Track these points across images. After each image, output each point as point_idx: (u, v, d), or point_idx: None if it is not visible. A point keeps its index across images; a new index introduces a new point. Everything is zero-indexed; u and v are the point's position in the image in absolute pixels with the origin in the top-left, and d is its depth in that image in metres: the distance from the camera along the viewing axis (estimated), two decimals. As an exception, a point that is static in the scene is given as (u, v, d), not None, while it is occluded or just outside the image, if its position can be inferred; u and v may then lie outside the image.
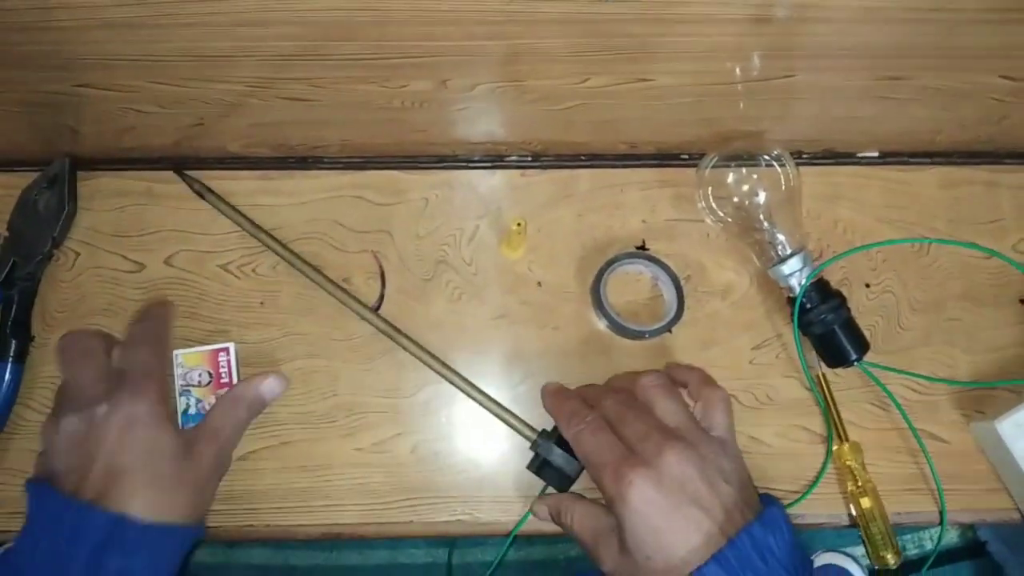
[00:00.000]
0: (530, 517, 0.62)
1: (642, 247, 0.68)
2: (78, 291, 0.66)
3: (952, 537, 1.16)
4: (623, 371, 0.65)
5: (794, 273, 0.63)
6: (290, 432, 0.63)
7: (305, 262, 0.65)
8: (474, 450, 0.64)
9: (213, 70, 0.54)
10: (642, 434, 0.53)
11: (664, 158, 0.70)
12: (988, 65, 0.56)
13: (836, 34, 0.52)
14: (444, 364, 0.63)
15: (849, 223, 0.70)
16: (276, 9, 0.47)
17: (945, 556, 1.14)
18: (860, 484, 0.62)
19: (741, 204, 0.65)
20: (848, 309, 0.63)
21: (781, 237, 0.64)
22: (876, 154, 0.71)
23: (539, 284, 0.68)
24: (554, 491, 0.61)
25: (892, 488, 0.63)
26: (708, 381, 0.60)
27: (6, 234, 0.65)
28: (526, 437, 0.61)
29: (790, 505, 0.63)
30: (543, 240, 0.69)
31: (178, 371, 0.61)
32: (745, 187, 0.64)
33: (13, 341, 0.63)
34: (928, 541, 1.13)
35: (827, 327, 0.62)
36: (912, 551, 1.13)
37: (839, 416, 0.64)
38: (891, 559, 0.61)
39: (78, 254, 0.67)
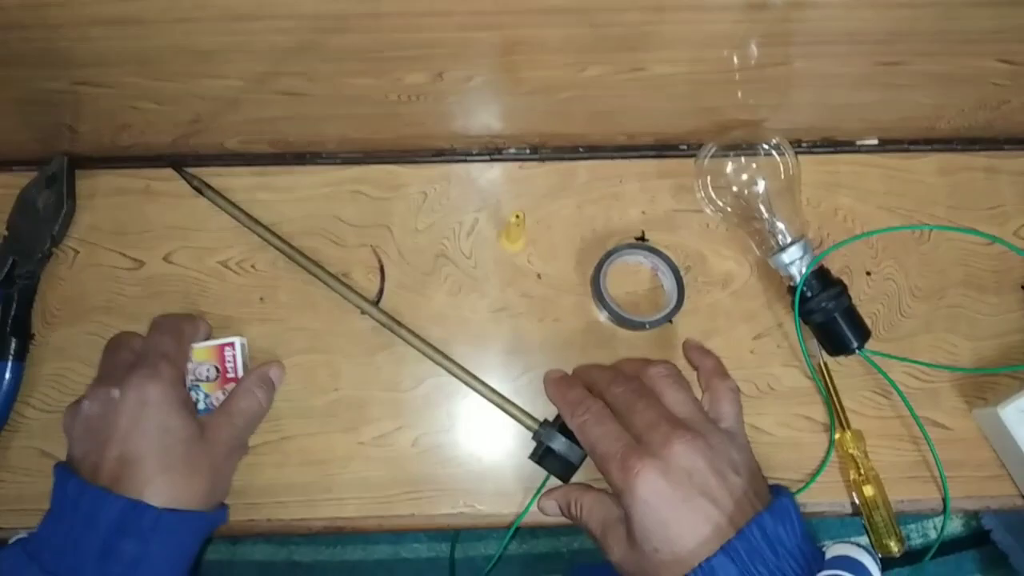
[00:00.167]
0: (532, 508, 0.61)
1: (642, 238, 0.68)
2: (78, 289, 0.66)
3: (956, 526, 1.17)
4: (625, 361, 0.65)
5: (794, 262, 0.63)
6: (291, 427, 0.63)
7: (305, 257, 0.65)
8: (475, 443, 0.64)
9: (209, 65, 0.54)
10: (649, 423, 0.52)
11: (663, 149, 0.70)
12: (986, 49, 0.56)
13: (832, 19, 0.51)
14: (445, 356, 0.63)
15: (849, 211, 0.70)
16: (270, 3, 0.47)
17: (949, 545, 1.15)
18: (863, 472, 0.62)
19: (740, 193, 0.65)
20: (849, 297, 0.62)
21: (781, 226, 0.63)
22: (875, 142, 0.71)
23: (539, 276, 0.67)
24: (558, 481, 0.61)
25: (895, 476, 0.63)
26: (719, 371, 0.60)
27: (5, 233, 0.66)
28: (528, 427, 0.61)
29: (793, 494, 0.62)
30: (542, 232, 0.68)
31: (188, 366, 0.61)
32: (744, 176, 0.64)
33: (13, 339, 0.63)
34: (932, 530, 1.13)
35: (828, 315, 0.62)
36: (916, 540, 1.13)
37: (841, 404, 0.64)
38: (895, 547, 0.61)
39: (77, 252, 0.67)
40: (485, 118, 0.65)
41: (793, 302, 0.63)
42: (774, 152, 0.64)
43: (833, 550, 0.51)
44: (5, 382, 0.62)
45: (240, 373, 0.62)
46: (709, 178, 0.66)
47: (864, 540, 0.98)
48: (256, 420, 0.60)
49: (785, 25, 0.52)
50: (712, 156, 0.65)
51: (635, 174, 0.70)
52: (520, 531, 0.63)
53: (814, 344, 0.64)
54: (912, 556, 1.06)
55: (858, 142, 0.71)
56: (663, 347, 0.66)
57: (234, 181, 0.68)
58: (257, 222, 0.66)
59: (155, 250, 0.67)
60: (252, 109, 0.61)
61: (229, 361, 0.62)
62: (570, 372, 0.64)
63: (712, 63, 0.57)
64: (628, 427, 0.53)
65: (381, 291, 0.66)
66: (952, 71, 0.59)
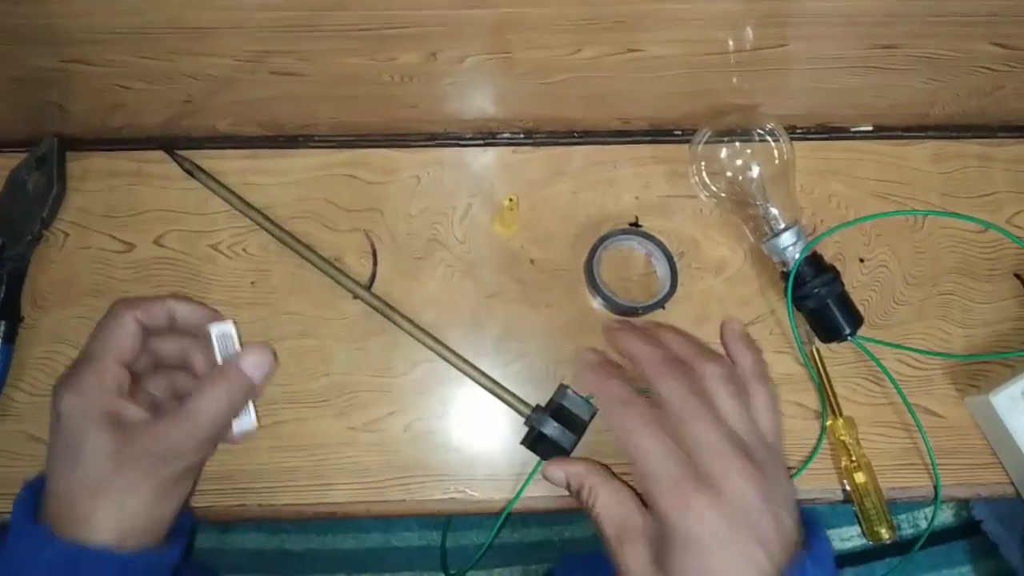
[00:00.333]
0: (524, 495, 0.61)
1: (635, 223, 0.68)
2: (68, 272, 0.66)
3: (947, 516, 1.17)
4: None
5: (788, 247, 0.63)
6: (282, 412, 0.63)
7: (297, 241, 0.65)
8: (467, 428, 0.63)
9: (200, 43, 0.53)
10: (710, 446, 0.45)
11: (657, 134, 0.70)
12: (980, 32, 0.56)
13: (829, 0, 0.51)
14: (437, 341, 0.63)
15: (843, 198, 0.70)
16: (262, -21, 0.47)
17: (940, 535, 1.15)
18: (854, 459, 0.62)
19: (735, 179, 0.64)
20: (842, 283, 0.62)
21: (775, 212, 0.63)
22: (870, 128, 0.71)
23: (532, 262, 0.67)
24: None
25: (886, 463, 0.63)
26: (761, 373, 0.52)
27: (-6, 215, 0.65)
28: (520, 412, 0.61)
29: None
30: (536, 217, 0.68)
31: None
32: (739, 162, 0.64)
33: (2, 322, 0.62)
34: (923, 521, 1.14)
35: (821, 302, 0.62)
36: (908, 531, 1.13)
37: (833, 391, 0.64)
38: (886, 534, 0.61)
39: (68, 235, 0.67)
40: (479, 101, 0.65)
41: (786, 288, 0.63)
42: (769, 138, 0.64)
43: None
44: (-6, 365, 0.62)
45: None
46: (703, 163, 0.66)
47: (856, 530, 0.98)
48: (220, 423, 0.48)
49: (780, 5, 0.52)
50: (707, 141, 0.65)
51: (629, 159, 0.70)
52: (512, 519, 0.62)
53: (807, 331, 0.64)
54: (903, 546, 1.07)
55: (852, 129, 0.71)
56: (656, 333, 0.66)
57: (226, 164, 0.68)
58: (249, 205, 0.66)
59: (146, 233, 0.67)
60: (244, 89, 0.60)
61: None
62: (562, 359, 0.63)
63: (708, 44, 0.56)
64: (680, 438, 0.46)
65: (373, 276, 0.66)
66: (946, 54, 0.59)
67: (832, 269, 0.63)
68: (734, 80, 0.62)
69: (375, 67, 0.58)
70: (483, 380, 0.62)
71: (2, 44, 0.53)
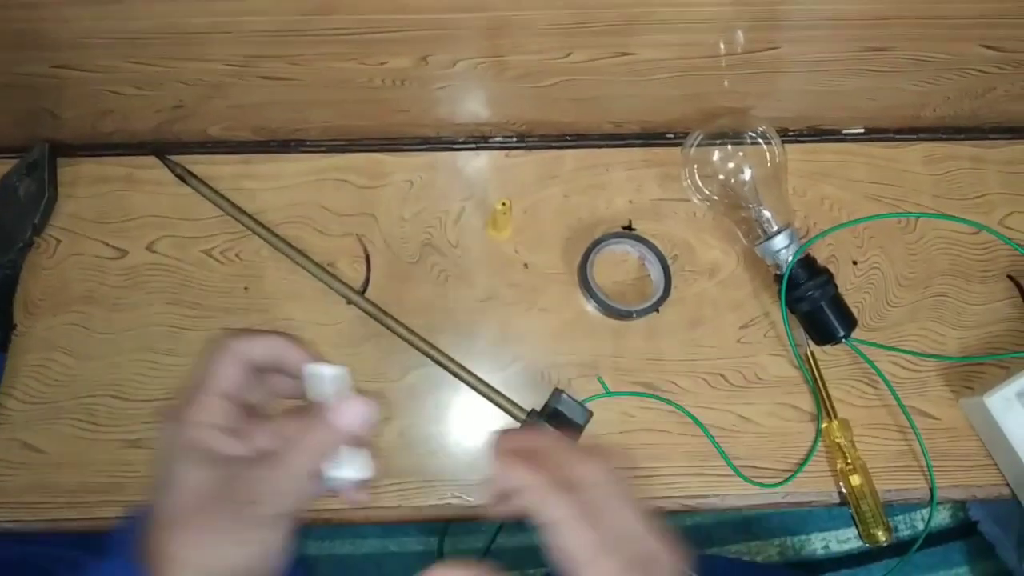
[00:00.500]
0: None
1: (629, 227, 0.68)
2: (60, 278, 0.66)
3: (943, 517, 1.17)
4: (609, 354, 0.65)
5: (781, 250, 0.63)
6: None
7: (290, 246, 0.65)
8: (462, 433, 0.63)
9: (190, 48, 0.53)
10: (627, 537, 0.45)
11: (649, 137, 0.70)
12: (970, 34, 0.56)
13: (819, 2, 0.51)
14: (431, 345, 0.63)
15: (835, 200, 0.70)
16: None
17: (937, 536, 1.15)
18: (850, 462, 0.62)
19: (727, 182, 0.64)
20: (835, 286, 0.62)
21: (767, 214, 0.63)
22: (861, 131, 0.71)
23: (526, 266, 0.67)
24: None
25: (882, 465, 0.63)
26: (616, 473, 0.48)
27: (-15, 221, 0.65)
28: (515, 417, 0.61)
29: (781, 484, 0.62)
30: (529, 221, 0.68)
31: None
32: (731, 165, 0.64)
33: (-6, 329, 0.62)
34: (920, 522, 1.13)
35: (814, 304, 0.62)
36: (904, 532, 1.13)
37: (828, 393, 0.64)
38: (882, 536, 0.61)
39: (59, 241, 0.66)
40: (471, 105, 0.64)
41: (780, 291, 0.63)
42: (761, 140, 0.64)
43: None
44: (-14, 372, 0.61)
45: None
46: (696, 166, 0.66)
47: (852, 532, 0.98)
48: (305, 474, 0.42)
49: (773, 8, 0.52)
50: (699, 144, 0.65)
51: (622, 162, 0.70)
52: (509, 524, 0.62)
53: (801, 333, 0.64)
54: (900, 547, 1.06)
55: (844, 131, 0.71)
56: (650, 336, 0.66)
57: (218, 169, 0.68)
58: (241, 211, 0.66)
59: (138, 239, 0.66)
60: (236, 94, 0.60)
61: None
62: (557, 362, 0.63)
63: (699, 48, 0.56)
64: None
65: (367, 280, 0.66)
66: (938, 57, 0.59)
67: (825, 271, 0.63)
68: (725, 83, 0.62)
69: (366, 71, 0.57)
70: (478, 385, 0.62)
71: (-8, 50, 0.53)
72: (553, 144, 0.70)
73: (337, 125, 0.67)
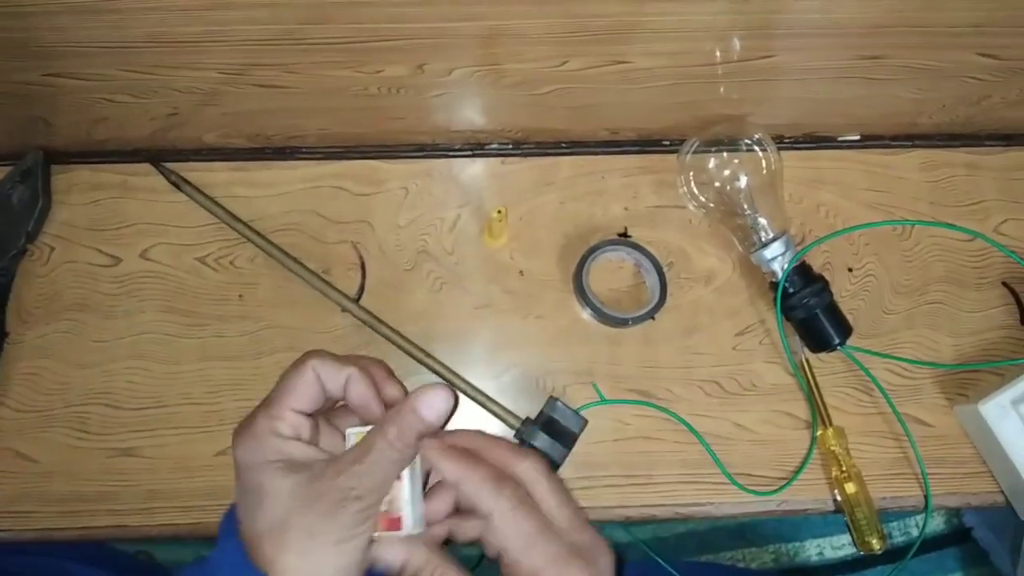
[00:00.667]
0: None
1: (624, 234, 0.68)
2: (53, 286, 0.65)
3: (938, 524, 1.17)
4: (604, 362, 0.65)
5: (776, 258, 0.62)
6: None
7: (284, 253, 0.64)
8: (457, 440, 0.63)
9: (184, 56, 0.53)
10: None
11: (645, 144, 0.70)
12: (966, 42, 0.56)
13: (814, 11, 0.51)
14: (427, 354, 0.63)
15: (831, 207, 0.70)
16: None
17: (931, 543, 1.15)
18: (845, 469, 0.62)
19: (723, 189, 0.64)
20: (831, 293, 0.62)
21: (763, 222, 0.63)
22: (857, 138, 0.71)
23: (521, 273, 0.67)
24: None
25: (877, 473, 0.63)
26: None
27: (-22, 229, 0.64)
28: (510, 425, 0.61)
29: (776, 491, 0.62)
30: (525, 228, 0.68)
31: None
32: (727, 172, 0.64)
33: (-13, 337, 0.62)
34: (915, 528, 1.14)
35: (810, 311, 0.62)
36: (899, 538, 1.13)
37: (823, 401, 0.64)
38: (876, 544, 0.61)
39: (53, 248, 0.66)
40: (467, 112, 0.64)
41: (775, 298, 0.63)
42: (756, 147, 0.64)
43: None
44: (-23, 380, 0.61)
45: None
46: (692, 173, 0.66)
47: (846, 539, 0.97)
48: (394, 460, 0.43)
49: (767, 17, 0.52)
50: (695, 151, 0.65)
51: (618, 169, 0.70)
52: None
53: (796, 341, 0.64)
54: (894, 554, 1.06)
55: (840, 138, 0.71)
56: (646, 343, 0.65)
57: (213, 176, 0.67)
58: (236, 218, 0.65)
59: (132, 246, 0.66)
60: (230, 102, 0.60)
61: None
62: (552, 370, 0.63)
63: (695, 56, 0.56)
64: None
65: (362, 288, 0.65)
66: (933, 65, 0.59)
67: (821, 279, 0.63)
68: (721, 91, 0.62)
69: (362, 79, 0.57)
70: (472, 393, 0.62)
71: (-16, 58, 0.53)
72: (549, 151, 0.70)
73: (333, 132, 0.66)
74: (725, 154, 0.64)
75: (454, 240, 0.67)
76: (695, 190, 0.66)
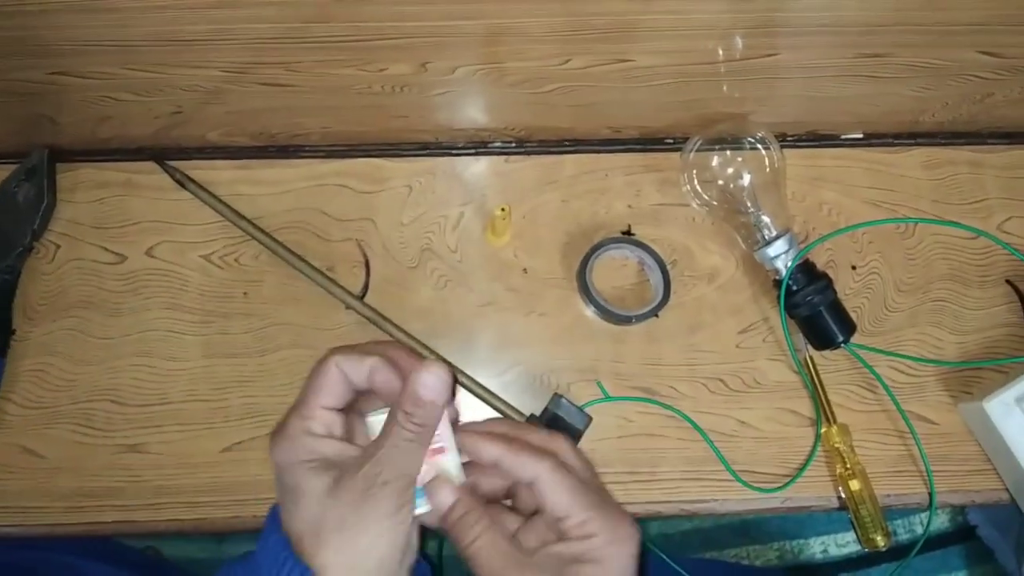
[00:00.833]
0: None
1: (628, 232, 0.68)
2: (59, 284, 0.66)
3: (942, 521, 1.17)
4: (608, 359, 0.65)
5: (780, 255, 0.63)
6: (275, 422, 0.62)
7: (289, 251, 0.65)
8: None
9: (188, 55, 0.53)
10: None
11: (648, 142, 0.70)
12: (968, 40, 0.56)
13: (817, 9, 0.51)
14: (430, 351, 0.63)
15: (834, 205, 0.70)
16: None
17: (935, 540, 1.15)
18: (849, 466, 0.62)
19: (726, 187, 0.64)
20: (834, 291, 0.62)
21: (766, 220, 0.63)
22: (860, 136, 0.71)
23: (525, 271, 0.67)
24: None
25: (881, 470, 0.63)
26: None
27: (-16, 227, 0.65)
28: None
29: (780, 489, 0.62)
30: (528, 226, 0.68)
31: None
32: (730, 170, 0.64)
33: (-7, 335, 0.62)
34: (919, 526, 1.14)
35: (813, 309, 0.62)
36: (903, 536, 1.13)
37: (827, 398, 0.64)
38: (881, 541, 0.61)
39: (58, 246, 0.66)
40: (470, 110, 0.65)
41: (779, 296, 0.63)
42: (759, 146, 0.64)
43: None
44: (-15, 378, 0.61)
45: (447, 441, 0.46)
46: (695, 171, 0.66)
47: (850, 536, 0.97)
48: (413, 444, 0.44)
49: (770, 15, 0.52)
50: (698, 150, 0.65)
51: (621, 168, 0.70)
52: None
53: (800, 338, 0.64)
54: (898, 551, 1.06)
55: (843, 136, 0.71)
56: (650, 341, 0.66)
57: (217, 174, 0.68)
58: (240, 216, 0.66)
59: (137, 244, 0.66)
60: (234, 100, 0.60)
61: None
62: (555, 367, 0.63)
63: (697, 55, 0.56)
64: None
65: (366, 285, 0.66)
66: (936, 63, 0.59)
67: (824, 276, 0.63)
68: (724, 89, 0.62)
69: (365, 78, 0.58)
70: (477, 390, 0.62)
71: (-9, 56, 0.53)
72: (552, 149, 0.70)
73: (336, 131, 0.67)
74: (728, 152, 0.64)
75: (458, 238, 0.68)
76: (698, 188, 0.66)
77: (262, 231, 0.65)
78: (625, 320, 0.64)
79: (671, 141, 0.70)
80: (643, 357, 0.65)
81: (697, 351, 0.66)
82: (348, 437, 0.46)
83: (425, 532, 0.47)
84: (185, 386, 0.64)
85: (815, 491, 0.63)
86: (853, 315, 0.63)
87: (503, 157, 0.70)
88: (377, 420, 0.45)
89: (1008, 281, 0.68)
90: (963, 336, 0.67)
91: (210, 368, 0.64)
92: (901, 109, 0.67)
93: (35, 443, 0.62)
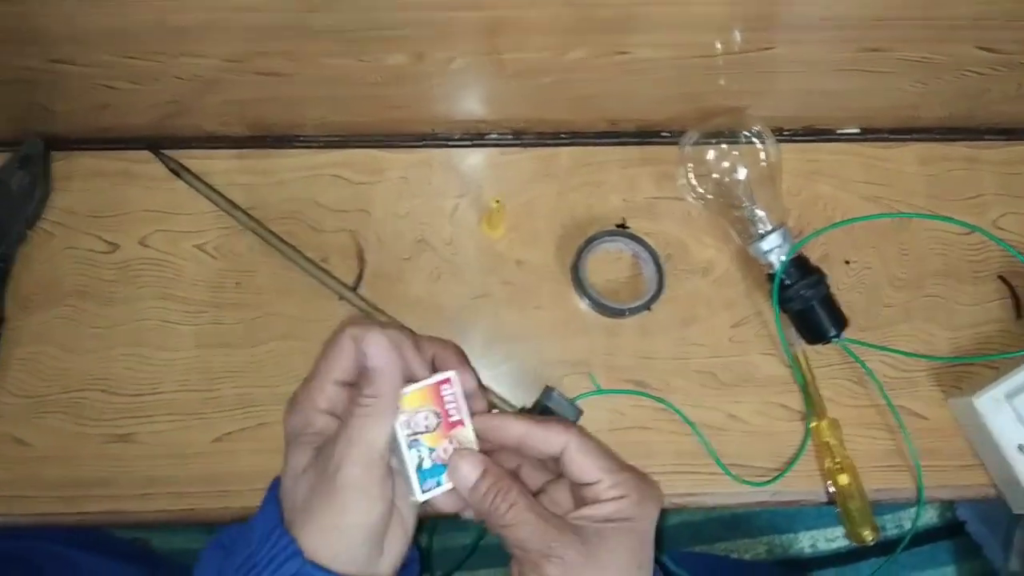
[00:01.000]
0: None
1: (622, 225, 0.68)
2: (53, 272, 0.65)
3: (931, 517, 1.17)
4: (601, 352, 0.65)
5: (774, 249, 0.63)
6: (267, 413, 0.63)
7: (283, 241, 0.64)
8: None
9: (186, 44, 0.53)
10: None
11: (645, 136, 0.70)
12: (966, 36, 0.56)
13: (814, 3, 0.52)
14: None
15: (829, 200, 0.70)
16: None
17: (924, 536, 1.16)
18: (838, 461, 0.62)
19: (722, 181, 0.65)
20: (827, 285, 0.63)
21: (761, 214, 0.64)
22: (856, 130, 0.71)
23: (519, 263, 0.67)
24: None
25: (870, 465, 0.64)
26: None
27: (-22, 214, 0.64)
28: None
29: (769, 482, 0.63)
30: (523, 219, 0.68)
31: (400, 419, 0.45)
32: (726, 164, 0.64)
33: (-14, 322, 0.62)
34: (908, 521, 1.14)
35: (806, 303, 0.62)
36: (892, 530, 1.14)
37: (818, 393, 0.64)
38: (869, 536, 0.61)
39: (53, 235, 0.66)
40: (467, 102, 0.64)
41: (772, 290, 0.63)
42: (756, 140, 0.64)
43: None
44: (-23, 365, 0.61)
45: (465, 415, 0.47)
46: (691, 165, 0.66)
47: (839, 530, 0.98)
48: (371, 436, 0.43)
49: (768, 8, 0.52)
50: (694, 143, 0.65)
51: (617, 161, 0.70)
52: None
53: (792, 332, 0.64)
54: (887, 546, 1.07)
55: (839, 131, 0.71)
56: (642, 334, 0.66)
57: (212, 164, 0.67)
58: (235, 206, 0.65)
59: (131, 233, 0.66)
60: (231, 90, 0.60)
61: (450, 401, 0.47)
62: (549, 360, 0.63)
63: (695, 48, 0.56)
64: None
65: (360, 277, 0.66)
66: (933, 58, 0.59)
67: (818, 271, 0.63)
68: (721, 82, 0.62)
69: (362, 68, 0.57)
70: (470, 382, 0.62)
71: (-15, 44, 0.53)
72: (548, 142, 0.70)
73: (332, 121, 0.66)
74: (724, 146, 0.64)
75: (452, 230, 0.68)
76: (694, 182, 0.66)
77: (256, 221, 0.65)
78: (618, 313, 0.65)
79: (667, 135, 0.70)
80: (636, 350, 0.65)
81: (690, 344, 0.66)
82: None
83: (419, 525, 0.47)
84: (177, 376, 0.63)
85: (804, 485, 0.64)
86: (846, 310, 0.63)
87: (499, 149, 0.70)
88: (411, 389, 0.45)
89: (1001, 277, 0.69)
90: (955, 331, 0.67)
91: (202, 358, 0.64)
92: (898, 104, 0.67)
93: (25, 432, 0.62)
